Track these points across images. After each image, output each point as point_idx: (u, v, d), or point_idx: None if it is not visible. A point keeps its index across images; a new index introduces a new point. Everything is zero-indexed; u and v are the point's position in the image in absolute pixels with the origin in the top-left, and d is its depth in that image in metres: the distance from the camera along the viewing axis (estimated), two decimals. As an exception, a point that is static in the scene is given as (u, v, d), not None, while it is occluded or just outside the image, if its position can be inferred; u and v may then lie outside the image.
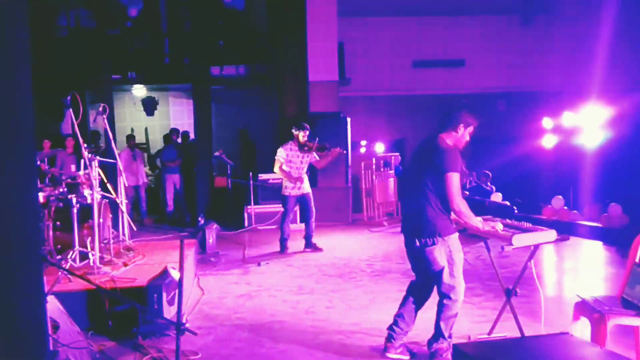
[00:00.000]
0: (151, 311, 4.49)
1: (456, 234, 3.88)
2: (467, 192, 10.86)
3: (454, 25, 14.60)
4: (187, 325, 4.65)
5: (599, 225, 8.80)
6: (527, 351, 2.76)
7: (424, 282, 4.07)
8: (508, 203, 10.51)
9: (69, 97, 5.55)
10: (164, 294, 4.57)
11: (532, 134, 11.96)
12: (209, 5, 11.39)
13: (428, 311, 4.15)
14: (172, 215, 11.18)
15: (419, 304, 4.13)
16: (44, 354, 2.17)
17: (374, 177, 10.89)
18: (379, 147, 13.06)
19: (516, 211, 10.02)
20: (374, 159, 11.09)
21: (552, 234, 3.72)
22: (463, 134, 3.93)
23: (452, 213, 3.84)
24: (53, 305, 3.62)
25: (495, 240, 3.95)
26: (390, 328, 4.12)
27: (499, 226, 3.85)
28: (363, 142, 14.05)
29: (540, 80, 14.23)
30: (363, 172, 11.02)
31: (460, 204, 3.72)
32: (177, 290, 4.64)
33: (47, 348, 2.37)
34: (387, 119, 14.72)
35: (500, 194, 11.35)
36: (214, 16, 12.18)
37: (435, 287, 3.98)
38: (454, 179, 3.72)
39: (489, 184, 12.05)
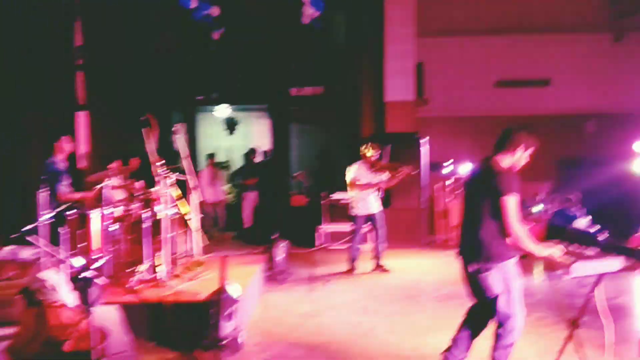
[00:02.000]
0: (209, 326, 4.59)
1: (513, 260, 3.72)
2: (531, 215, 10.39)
3: (539, 43, 14.09)
4: (240, 341, 4.77)
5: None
6: None
7: (482, 308, 3.92)
8: (591, 230, 9.94)
9: (145, 117, 5.85)
10: (222, 310, 4.66)
11: (623, 157, 11.29)
12: (288, 26, 11.66)
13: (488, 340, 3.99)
14: (250, 232, 11.43)
15: (475, 331, 3.99)
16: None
17: (448, 198, 10.65)
18: (463, 169, 12.74)
19: (602, 238, 9.46)
20: (446, 181, 10.86)
21: (616, 263, 3.48)
22: (521, 155, 3.79)
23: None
24: (111, 316, 3.80)
25: (558, 267, 3.74)
26: (446, 352, 4.00)
27: (557, 252, 3.64)
28: (446, 163, 13.74)
29: (632, 101, 13.41)
30: (437, 193, 10.81)
31: (516, 228, 3.57)
32: (233, 307, 4.75)
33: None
34: (469, 140, 14.35)
35: (584, 220, 10.77)
36: (293, 38, 12.46)
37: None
38: (511, 203, 3.58)
39: (573, 209, 11.47)
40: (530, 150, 3.81)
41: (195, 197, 6.85)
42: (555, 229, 9.06)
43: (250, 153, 11.96)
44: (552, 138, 13.95)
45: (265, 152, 12.68)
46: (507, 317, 3.69)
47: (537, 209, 11.31)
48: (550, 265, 3.76)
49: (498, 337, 3.74)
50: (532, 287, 6.89)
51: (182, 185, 6.96)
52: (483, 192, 3.72)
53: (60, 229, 5.55)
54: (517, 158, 3.78)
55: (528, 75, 14.35)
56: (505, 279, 3.67)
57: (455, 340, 4.01)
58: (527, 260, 3.99)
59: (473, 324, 3.99)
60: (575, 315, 3.93)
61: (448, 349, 4.00)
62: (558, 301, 6.24)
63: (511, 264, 3.70)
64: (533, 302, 6.26)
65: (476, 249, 3.73)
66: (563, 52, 14.22)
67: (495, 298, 3.68)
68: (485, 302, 3.77)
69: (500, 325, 3.72)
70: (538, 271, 6.67)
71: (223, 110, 14.49)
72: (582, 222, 10.56)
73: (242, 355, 4.67)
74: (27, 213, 7.12)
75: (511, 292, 3.68)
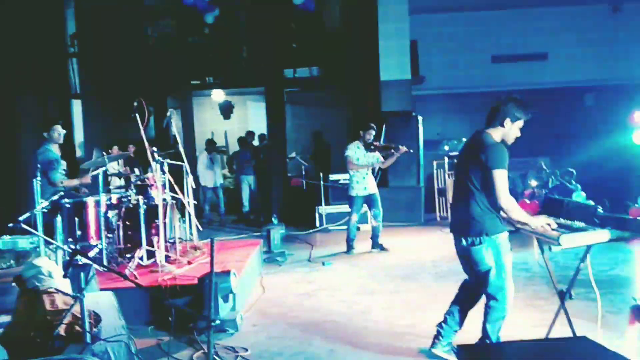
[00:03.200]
0: (205, 308, 4.63)
1: (505, 233, 3.73)
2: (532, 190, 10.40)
3: (535, 17, 14.02)
4: (239, 322, 4.81)
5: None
6: (537, 354, 2.61)
7: (475, 282, 3.94)
8: (592, 202, 9.95)
9: (135, 104, 5.84)
10: (217, 292, 4.70)
11: (622, 129, 11.25)
12: (281, 9, 11.58)
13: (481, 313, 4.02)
14: (248, 215, 11.48)
15: (469, 304, 4.02)
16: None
17: (447, 176, 10.66)
18: (461, 146, 12.74)
19: (601, 211, 9.47)
20: (446, 158, 10.84)
21: (604, 234, 3.48)
22: (511, 128, 3.72)
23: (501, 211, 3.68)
24: (106, 301, 3.83)
25: (545, 240, 3.75)
26: (439, 325, 4.05)
27: (552, 224, 3.64)
28: (444, 141, 13.73)
29: (631, 72, 13.36)
30: (436, 171, 10.81)
31: (507, 201, 3.56)
32: (230, 288, 4.79)
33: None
34: (467, 116, 14.35)
35: (584, 193, 10.78)
36: (286, 19, 12.39)
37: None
38: (501, 176, 3.55)
39: (573, 182, 11.46)
40: (519, 123, 3.74)
41: (190, 182, 6.86)
42: (553, 203, 9.09)
43: (247, 136, 11.95)
44: (551, 112, 13.94)
45: (261, 135, 12.68)
46: (499, 290, 3.71)
47: (536, 182, 11.33)
48: (543, 239, 3.77)
49: (489, 310, 3.76)
50: (527, 261, 6.93)
51: (177, 170, 6.97)
52: (472, 166, 3.70)
53: (56, 217, 5.57)
54: (506, 131, 3.72)
55: (525, 49, 14.29)
56: (496, 253, 3.68)
57: (449, 313, 4.04)
58: (522, 234, 3.99)
59: (466, 297, 4.01)
60: (567, 287, 3.95)
61: (443, 321, 4.03)
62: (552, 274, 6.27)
63: (502, 238, 3.71)
64: (528, 276, 6.32)
65: (467, 223, 3.73)
66: (560, 25, 14.15)
67: (488, 271, 3.69)
68: (477, 275, 3.79)
69: (491, 298, 3.75)
70: (535, 245, 6.68)
71: (218, 94, 14.45)
72: (580, 195, 10.59)
73: (240, 336, 4.72)
74: (23, 201, 7.16)
75: (502, 266, 3.69)
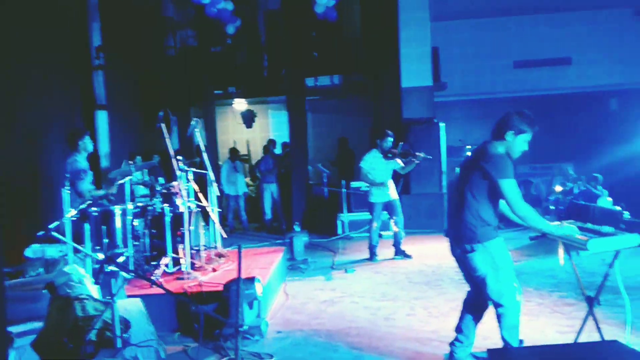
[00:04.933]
0: (230, 315, 4.68)
1: (498, 239, 3.68)
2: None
3: (557, 22, 13.93)
4: (264, 328, 4.85)
5: None
6: (567, 358, 2.60)
7: (476, 290, 3.92)
8: (619, 208, 9.81)
9: (161, 114, 5.95)
10: (242, 299, 4.74)
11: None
12: (303, 19, 11.67)
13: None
14: (271, 223, 11.54)
15: (476, 316, 3.99)
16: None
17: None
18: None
19: (628, 216, 9.33)
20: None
21: (634, 239, 3.46)
22: (514, 141, 3.64)
23: (514, 217, 3.66)
24: (135, 307, 3.90)
25: (572, 245, 3.73)
26: (451, 344, 4.02)
27: (573, 230, 3.62)
28: (468, 147, 13.65)
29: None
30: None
31: (523, 209, 3.52)
32: (254, 295, 4.83)
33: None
34: (489, 122, 14.22)
35: (610, 199, 10.64)
36: (307, 29, 12.48)
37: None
38: (510, 185, 3.51)
39: (599, 187, 11.33)
40: (525, 136, 3.65)
41: (214, 191, 6.94)
42: (578, 208, 8.98)
43: (269, 144, 12.04)
44: (575, 117, 13.82)
45: (284, 144, 12.77)
46: (501, 295, 3.65)
47: (561, 188, 11.23)
48: (569, 244, 3.74)
49: (500, 318, 3.71)
50: (553, 267, 6.87)
51: (201, 179, 7.06)
52: (472, 174, 3.67)
53: (84, 225, 5.68)
54: (509, 144, 3.65)
55: (548, 54, 14.20)
56: (492, 258, 3.64)
57: (458, 329, 4.01)
58: (551, 241, 3.96)
59: (472, 308, 3.98)
60: (595, 293, 3.92)
61: (454, 339, 4.01)
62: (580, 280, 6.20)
63: (496, 243, 3.66)
64: (554, 282, 6.26)
65: (460, 231, 3.72)
66: (583, 30, 14.03)
67: (485, 277, 3.66)
68: (476, 282, 3.77)
69: (497, 305, 3.70)
70: (559, 251, 6.62)
71: (240, 104, 14.59)
72: (607, 201, 10.45)
73: (265, 342, 4.76)
74: (52, 211, 7.30)
75: (500, 270, 3.64)
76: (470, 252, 3.67)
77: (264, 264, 6.43)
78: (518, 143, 3.66)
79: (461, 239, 3.71)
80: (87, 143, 6.31)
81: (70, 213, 5.36)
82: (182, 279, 5.61)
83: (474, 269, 3.71)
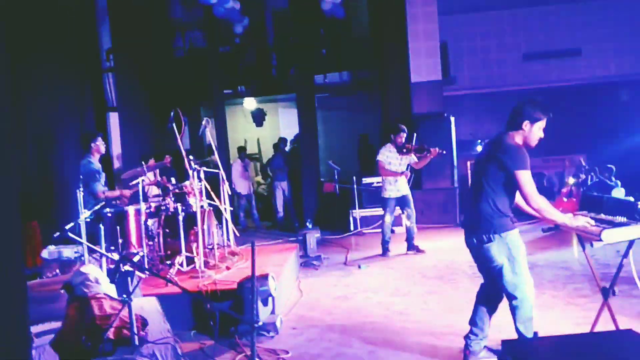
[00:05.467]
0: (245, 312, 4.71)
1: (515, 231, 3.68)
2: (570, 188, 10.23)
3: (566, 13, 13.82)
4: (279, 325, 4.88)
5: None
6: (582, 347, 2.59)
7: (490, 282, 3.92)
8: (632, 198, 9.73)
9: (172, 114, 5.99)
10: (257, 296, 4.77)
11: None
12: (311, 16, 11.68)
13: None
14: (282, 221, 11.57)
15: (490, 308, 3.98)
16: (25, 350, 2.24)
17: (481, 176, 10.56)
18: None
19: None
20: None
21: (647, 229, 3.44)
22: (531, 130, 3.64)
23: (528, 209, 3.65)
24: (151, 306, 3.94)
25: (586, 236, 3.72)
26: (466, 337, 4.02)
27: (589, 221, 3.61)
28: (479, 141, 13.60)
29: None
30: (470, 171, 10.73)
31: (538, 201, 3.53)
32: (268, 292, 4.86)
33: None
34: (499, 115, 14.18)
35: (623, 190, 10.57)
36: (315, 26, 12.49)
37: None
38: (525, 177, 3.52)
39: (613, 179, 11.25)
40: (540, 123, 3.65)
41: (226, 189, 6.98)
42: (591, 200, 8.93)
43: (280, 142, 12.08)
44: (586, 108, 13.71)
45: (294, 141, 12.80)
46: (515, 287, 3.65)
47: (573, 180, 11.16)
48: (583, 236, 3.73)
49: (514, 310, 3.70)
50: (567, 259, 6.84)
51: (213, 178, 7.10)
52: (489, 165, 3.68)
53: (98, 226, 5.74)
54: (526, 133, 3.65)
55: (557, 45, 14.09)
56: (508, 249, 3.64)
57: (473, 322, 4.01)
58: (565, 233, 3.95)
59: (486, 300, 3.98)
60: (610, 284, 3.91)
61: (469, 332, 4.01)
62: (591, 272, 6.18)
63: (512, 235, 3.66)
64: (568, 274, 6.24)
65: (477, 222, 3.72)
66: (592, 20, 13.92)
67: (501, 268, 3.66)
68: (491, 274, 3.77)
69: (511, 297, 3.69)
70: (574, 243, 6.61)
71: (250, 103, 14.64)
72: (620, 192, 10.38)
73: (280, 339, 4.79)
74: (66, 212, 7.38)
75: (515, 262, 3.64)
76: (487, 243, 3.66)
77: (277, 261, 6.46)
78: (534, 131, 3.66)
79: (478, 229, 3.71)
80: (99, 145, 6.38)
81: (85, 214, 5.42)
82: (197, 277, 5.65)
83: (489, 260, 3.70)
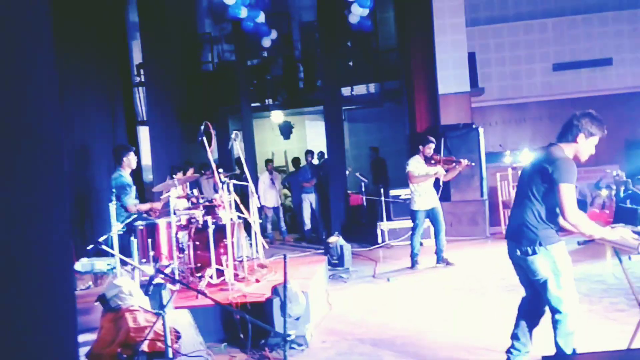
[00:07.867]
0: (275, 325, 4.71)
1: (561, 243, 3.61)
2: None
3: (597, 23, 13.67)
4: (309, 338, 4.87)
5: None
6: None
7: (532, 295, 3.84)
8: (666, 211, 9.51)
9: (202, 127, 6.05)
10: (287, 309, 4.77)
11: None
12: (338, 29, 11.73)
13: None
14: (310, 233, 11.57)
15: (532, 321, 3.89)
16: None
17: (511, 188, 10.43)
18: (525, 156, 12.41)
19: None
20: (509, 169, 10.62)
21: (687, 242, 3.36)
22: (584, 145, 3.57)
23: (565, 224, 3.59)
24: (183, 318, 3.97)
25: (624, 249, 3.64)
26: (507, 351, 3.94)
27: (625, 234, 3.53)
28: (507, 152, 13.43)
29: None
30: (499, 183, 10.61)
31: (575, 216, 3.44)
32: (297, 305, 4.86)
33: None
34: (528, 126, 14.10)
35: (657, 201, 10.33)
36: (342, 39, 12.55)
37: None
38: (568, 191, 3.44)
39: (645, 190, 11.00)
40: (594, 139, 3.58)
41: (255, 202, 7.01)
42: (626, 212, 8.74)
43: (307, 155, 12.10)
44: (617, 118, 13.47)
45: (320, 153, 12.82)
46: (560, 301, 3.57)
47: (606, 192, 10.95)
48: (621, 249, 3.65)
49: (556, 324, 3.61)
50: (601, 273, 6.70)
51: (242, 190, 7.15)
52: (536, 175, 3.61)
53: (131, 239, 5.82)
54: (579, 147, 3.58)
55: (588, 55, 13.93)
56: (553, 262, 3.57)
57: (513, 336, 3.93)
58: (599, 246, 3.87)
59: (528, 314, 3.90)
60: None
61: (511, 346, 3.93)
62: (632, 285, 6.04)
63: (557, 248, 3.59)
64: (603, 288, 6.11)
65: (521, 232, 3.64)
66: (623, 29, 13.74)
67: (545, 282, 3.58)
68: (535, 287, 3.69)
69: (555, 311, 3.61)
70: (611, 256, 6.47)
71: (278, 115, 14.73)
72: (654, 204, 10.14)
73: (310, 352, 4.77)
74: (99, 225, 7.50)
75: (561, 275, 3.56)
76: (531, 255, 3.59)
77: (306, 273, 6.46)
78: (588, 146, 3.59)
79: (522, 240, 3.63)
80: (131, 159, 6.48)
81: (117, 227, 5.50)
82: (226, 289, 5.67)
83: (533, 273, 3.63)
